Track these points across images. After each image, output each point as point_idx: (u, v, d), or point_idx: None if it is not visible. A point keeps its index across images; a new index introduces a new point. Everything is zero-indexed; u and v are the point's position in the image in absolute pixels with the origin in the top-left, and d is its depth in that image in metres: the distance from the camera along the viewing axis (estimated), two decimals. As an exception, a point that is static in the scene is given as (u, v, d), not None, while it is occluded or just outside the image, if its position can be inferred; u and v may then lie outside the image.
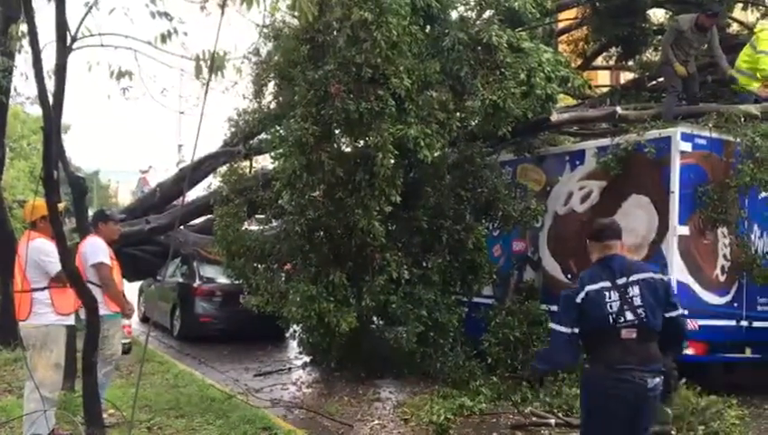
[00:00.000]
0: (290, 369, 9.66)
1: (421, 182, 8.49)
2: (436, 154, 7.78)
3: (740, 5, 10.82)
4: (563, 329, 3.98)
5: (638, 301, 3.88)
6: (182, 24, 5.01)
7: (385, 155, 7.41)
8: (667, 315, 3.95)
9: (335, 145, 8.14)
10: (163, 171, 30.89)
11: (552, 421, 6.71)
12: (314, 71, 7.70)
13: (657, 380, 3.85)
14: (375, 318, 8.68)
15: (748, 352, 7.93)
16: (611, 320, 3.86)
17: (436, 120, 7.73)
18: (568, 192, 9.02)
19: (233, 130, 10.24)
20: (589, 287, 3.98)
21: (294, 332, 9.89)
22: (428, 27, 8.37)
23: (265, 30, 8.97)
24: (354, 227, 7.77)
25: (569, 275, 8.88)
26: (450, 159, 8.69)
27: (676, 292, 7.55)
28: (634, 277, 3.95)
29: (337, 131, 8.09)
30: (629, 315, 3.86)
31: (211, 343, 11.21)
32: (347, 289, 8.04)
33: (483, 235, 8.70)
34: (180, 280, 12.33)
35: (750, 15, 11.22)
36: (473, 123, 8.53)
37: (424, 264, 8.62)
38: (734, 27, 11.14)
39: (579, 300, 3.98)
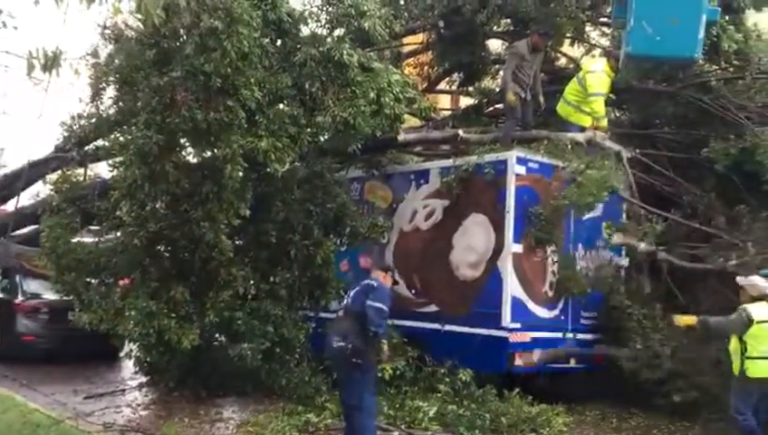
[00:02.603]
0: (124, 390, 9.11)
1: (270, 196, 8.39)
2: (286, 168, 7.74)
3: (568, 41, 11.75)
4: None
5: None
6: (12, 19, 4.62)
7: (234, 167, 7.26)
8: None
9: (181, 155, 7.85)
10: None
11: (396, 434, 6.86)
12: (159, 77, 7.40)
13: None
14: (218, 335, 8.43)
15: (573, 363, 8.57)
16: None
17: (286, 134, 7.69)
18: (413, 210, 9.31)
19: (66, 134, 9.56)
20: None
21: (130, 350, 9.33)
22: (280, 41, 8.34)
23: (106, 31, 8.50)
24: (199, 241, 7.53)
25: (413, 291, 9.16)
26: (300, 174, 8.68)
27: (510, 306, 8.06)
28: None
29: (183, 141, 7.81)
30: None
31: (35, 364, 10.31)
32: (189, 305, 7.75)
33: (331, 250, 8.75)
34: (0, 295, 11.26)
35: (576, 51, 12.23)
36: (323, 139, 8.58)
37: (271, 279, 8.51)
38: (563, 61, 12.09)
39: None
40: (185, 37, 7.49)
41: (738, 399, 6.19)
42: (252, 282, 8.12)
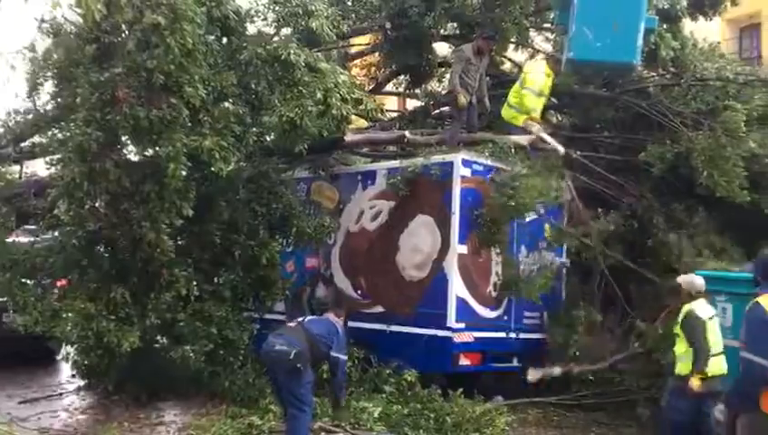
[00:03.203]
0: (61, 394, 8.84)
1: (215, 196, 8.26)
2: (231, 167, 7.63)
3: (512, 46, 11.95)
4: None
5: None
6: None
7: (177, 166, 7.11)
8: None
9: (121, 153, 7.67)
10: None
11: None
12: (100, 73, 7.21)
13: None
14: (160, 337, 8.26)
15: (515, 362, 8.71)
16: None
17: (231, 133, 7.59)
18: (360, 210, 9.32)
19: (1, 130, 9.23)
20: None
21: (67, 353, 9.06)
22: (225, 39, 8.23)
23: (45, 25, 8.24)
24: (140, 241, 7.36)
25: (359, 292, 9.17)
26: (245, 174, 8.58)
27: (455, 307, 8.15)
28: None
29: (124, 139, 7.63)
30: None
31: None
32: (129, 307, 7.57)
33: (276, 250, 8.68)
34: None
35: (521, 55, 12.45)
36: (269, 138, 8.51)
37: (215, 280, 8.40)
38: (507, 65, 12.29)
39: None
40: (126, 33, 7.32)
41: (676, 398, 6.05)
42: (195, 283, 7.97)
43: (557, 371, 7.80)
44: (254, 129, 7.93)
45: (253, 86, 7.94)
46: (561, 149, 9.08)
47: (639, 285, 8.75)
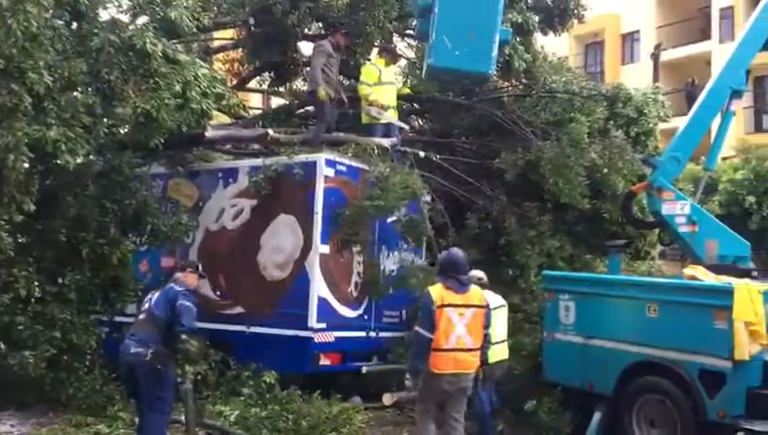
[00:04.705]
0: None
1: (60, 190, 7.74)
2: (79, 160, 7.15)
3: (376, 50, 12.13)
4: None
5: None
6: None
7: (18, 157, 6.58)
8: None
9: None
10: None
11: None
12: (-69, 54, 6.54)
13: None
14: (-4, 342, 7.62)
15: (375, 360, 8.84)
16: None
17: (80, 124, 7.13)
18: (220, 209, 9.09)
19: None
20: None
21: None
22: (75, 24, 7.75)
23: None
24: (-26, 238, 6.74)
25: (218, 292, 8.93)
26: (96, 168, 8.09)
27: (317, 307, 8.14)
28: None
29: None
30: None
31: None
32: (-39, 309, 6.93)
33: (129, 250, 8.27)
34: None
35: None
36: (123, 131, 8.09)
37: (60, 280, 7.85)
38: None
39: None
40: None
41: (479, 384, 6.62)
42: (36, 283, 7.42)
43: (412, 393, 7.97)
44: (106, 120, 7.51)
45: (105, 75, 7.50)
46: (404, 125, 9.54)
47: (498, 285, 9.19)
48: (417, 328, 5.70)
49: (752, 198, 17.59)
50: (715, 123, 8.94)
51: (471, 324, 5.67)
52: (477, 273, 6.88)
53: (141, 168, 9.01)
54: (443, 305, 5.57)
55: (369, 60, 10.38)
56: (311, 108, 11.31)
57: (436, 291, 5.64)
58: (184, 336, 5.90)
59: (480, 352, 5.81)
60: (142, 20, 8.18)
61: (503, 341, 6.98)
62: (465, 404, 6.02)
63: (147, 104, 7.33)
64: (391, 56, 10.11)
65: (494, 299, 6.85)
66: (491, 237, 9.65)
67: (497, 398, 7.31)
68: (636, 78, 17.51)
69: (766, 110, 26.02)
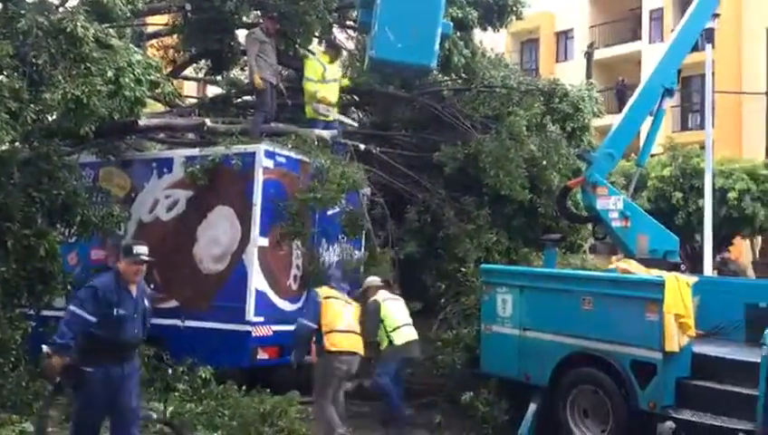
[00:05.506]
0: None
1: (-17, 179, 7.36)
2: (3, 148, 6.86)
3: (316, 41, 11.99)
4: None
5: None
6: None
7: (-64, 144, 6.23)
8: None
9: None
10: None
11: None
12: None
13: None
14: None
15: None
16: None
17: (5, 110, 6.76)
18: (154, 200, 8.84)
19: None
20: None
21: None
22: (0, 5, 7.36)
23: None
24: None
25: (152, 285, 8.61)
26: (22, 156, 7.73)
27: (255, 300, 8.01)
28: None
29: None
30: None
31: None
32: None
33: (57, 241, 7.93)
34: None
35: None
36: (51, 118, 7.74)
37: (-19, 273, 7.47)
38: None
39: None
40: None
41: (382, 367, 7.57)
42: (-45, 277, 7.05)
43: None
44: (33, 106, 7.15)
45: (32, 59, 7.15)
46: (353, 123, 9.57)
47: (438, 277, 9.26)
48: (300, 318, 7.03)
49: (678, 195, 18.26)
50: (647, 121, 9.21)
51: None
52: (375, 279, 7.98)
53: (71, 156, 8.70)
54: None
55: (312, 53, 10.29)
56: (249, 97, 11.12)
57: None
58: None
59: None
60: (73, 2, 7.84)
61: (406, 324, 7.67)
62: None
63: (77, 90, 7.01)
64: (336, 52, 10.12)
65: (385, 294, 7.78)
66: (430, 230, 9.71)
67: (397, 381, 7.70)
68: (570, 76, 17.90)
69: (692, 109, 27.09)
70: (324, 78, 9.59)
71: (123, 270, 5.27)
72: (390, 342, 7.50)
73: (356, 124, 9.81)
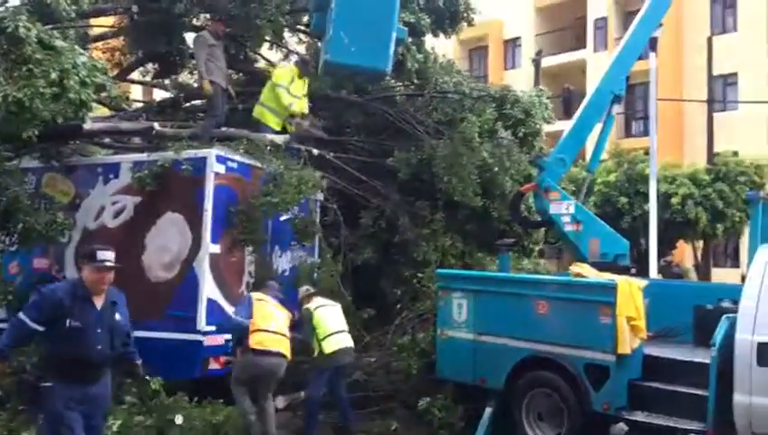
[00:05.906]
0: None
1: None
2: (-61, 152, 6.53)
3: (267, 45, 11.86)
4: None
5: None
6: None
7: None
8: None
9: None
10: None
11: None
12: None
13: None
14: None
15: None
16: None
17: (-59, 112, 6.49)
18: (100, 206, 8.55)
19: None
20: None
21: None
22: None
23: None
24: None
25: (98, 294, 8.38)
26: (-42, 161, 7.40)
27: (206, 309, 7.82)
28: None
29: None
30: None
31: None
32: None
33: (-2, 250, 7.61)
34: None
35: (275, 55, 12.42)
36: (-9, 122, 7.42)
37: None
38: (261, 63, 12.18)
39: None
40: None
41: (316, 375, 7.53)
42: None
43: (303, 393, 7.96)
44: (-28, 109, 6.85)
45: (-29, 60, 6.86)
46: (323, 135, 9.53)
47: (394, 283, 9.22)
48: (234, 316, 7.23)
49: (624, 199, 18.73)
50: (597, 127, 9.37)
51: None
52: (308, 288, 8.00)
53: (12, 161, 8.35)
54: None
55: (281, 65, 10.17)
56: (198, 101, 10.90)
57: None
58: None
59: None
60: (15, 2, 7.56)
61: (340, 331, 7.61)
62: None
63: (19, 93, 6.75)
64: (305, 67, 9.81)
65: (320, 300, 7.76)
66: (385, 236, 9.67)
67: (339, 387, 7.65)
68: (518, 83, 18.17)
69: (636, 116, 27.84)
70: (295, 93, 9.47)
71: (86, 278, 4.77)
72: (321, 350, 7.44)
73: (326, 136, 9.68)
